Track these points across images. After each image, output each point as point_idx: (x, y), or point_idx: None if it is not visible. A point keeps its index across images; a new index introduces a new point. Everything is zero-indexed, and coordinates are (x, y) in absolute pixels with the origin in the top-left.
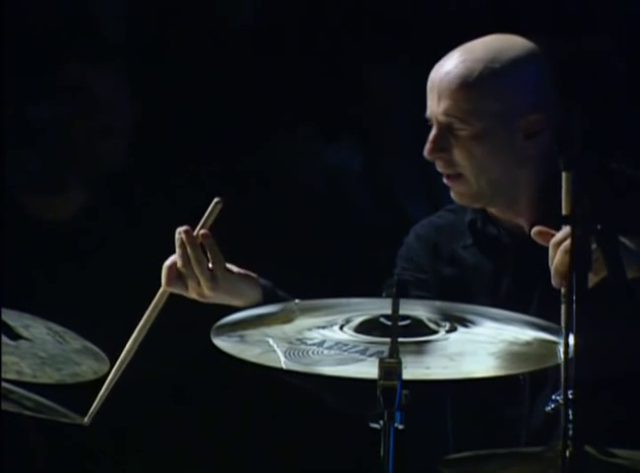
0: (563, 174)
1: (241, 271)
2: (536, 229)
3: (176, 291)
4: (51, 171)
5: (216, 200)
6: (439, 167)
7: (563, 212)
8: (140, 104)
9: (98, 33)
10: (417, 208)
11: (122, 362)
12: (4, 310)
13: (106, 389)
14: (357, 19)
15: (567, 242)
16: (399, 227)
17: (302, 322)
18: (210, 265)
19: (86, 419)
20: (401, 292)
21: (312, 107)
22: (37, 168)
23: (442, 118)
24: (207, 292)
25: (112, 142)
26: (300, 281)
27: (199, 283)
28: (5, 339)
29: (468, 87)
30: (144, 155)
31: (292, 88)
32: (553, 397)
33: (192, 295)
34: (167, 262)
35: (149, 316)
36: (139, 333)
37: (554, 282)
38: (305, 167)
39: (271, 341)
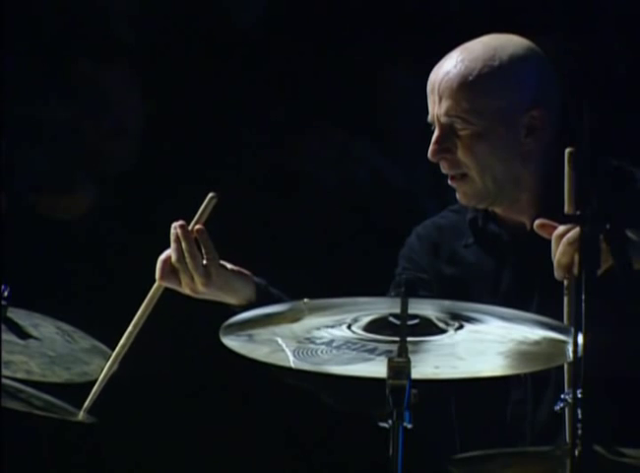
0: (566, 172)
1: (235, 268)
2: (538, 221)
3: (170, 285)
4: (61, 171)
5: (210, 195)
6: (444, 168)
7: (566, 210)
8: (151, 104)
9: (109, 32)
10: (429, 209)
11: (116, 356)
12: (14, 310)
13: (100, 384)
14: (369, 18)
15: (570, 235)
16: (407, 227)
17: (311, 321)
18: (204, 261)
19: (80, 414)
20: (409, 291)
21: (322, 107)
22: (48, 167)
23: (444, 119)
24: (200, 287)
25: (123, 141)
26: (299, 280)
27: (192, 278)
28: (14, 338)
29: (468, 86)
30: (155, 154)
31: (304, 87)
32: (562, 396)
33: (185, 290)
34: (162, 256)
35: (143, 311)
36: (133, 328)
37: (557, 274)
38: (313, 166)
39: (280, 340)
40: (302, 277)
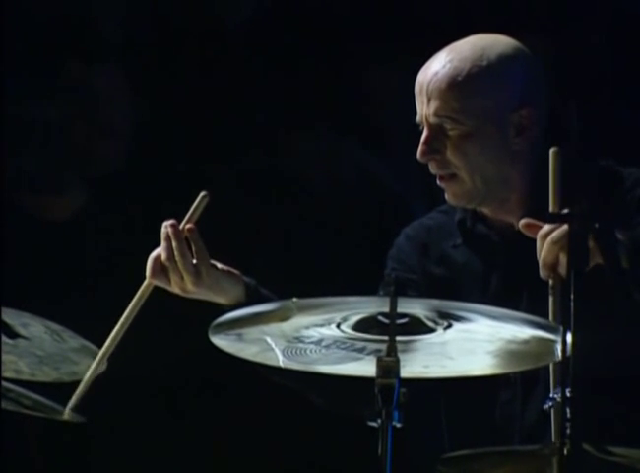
0: (551, 171)
1: (225, 267)
2: (523, 221)
3: (160, 284)
4: (50, 172)
5: (202, 194)
6: (433, 168)
7: (551, 209)
8: (141, 105)
9: (98, 32)
10: (417, 210)
11: (104, 354)
12: (2, 309)
13: (87, 382)
14: (358, 18)
15: (555, 234)
16: (395, 228)
17: (300, 321)
18: (194, 260)
19: (66, 412)
20: (399, 290)
21: (311, 107)
22: (37, 168)
23: (433, 120)
24: (189, 286)
25: (112, 142)
26: (288, 280)
27: (182, 277)
28: (3, 337)
29: (457, 86)
30: (147, 154)
31: (292, 88)
32: (551, 395)
33: (175, 289)
34: (153, 254)
35: (132, 309)
36: (122, 326)
37: (542, 274)
38: (302, 166)
39: (269, 339)
40: (291, 276)
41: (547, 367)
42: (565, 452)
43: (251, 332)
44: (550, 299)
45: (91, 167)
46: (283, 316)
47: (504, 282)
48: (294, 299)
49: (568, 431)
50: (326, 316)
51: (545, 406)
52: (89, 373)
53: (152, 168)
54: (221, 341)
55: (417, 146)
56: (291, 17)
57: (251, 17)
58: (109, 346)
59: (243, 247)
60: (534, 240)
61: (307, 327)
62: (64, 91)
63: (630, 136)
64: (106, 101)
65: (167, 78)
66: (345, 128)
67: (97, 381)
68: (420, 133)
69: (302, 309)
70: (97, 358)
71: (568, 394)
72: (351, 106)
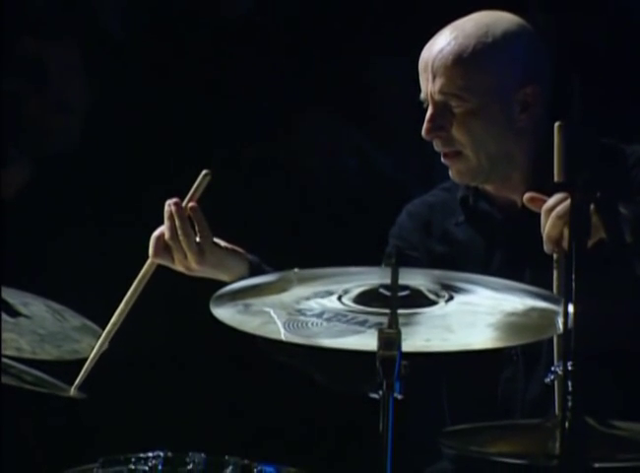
0: (555, 143)
1: (228, 245)
2: (528, 195)
3: (163, 263)
4: None
5: (204, 172)
6: (437, 145)
7: (556, 179)
8: (97, 83)
9: (97, 22)
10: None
11: (108, 333)
12: (3, 288)
13: (92, 360)
14: (357, 4)
15: (559, 208)
16: (395, 209)
17: (301, 292)
18: (197, 238)
19: (72, 390)
20: (400, 262)
21: (311, 93)
22: None
23: (438, 97)
24: (193, 265)
25: (63, 118)
26: (290, 259)
27: (186, 256)
28: (4, 316)
29: (462, 63)
30: (151, 135)
31: (293, 74)
32: (552, 368)
33: (179, 267)
34: (155, 233)
35: (135, 288)
36: (125, 305)
37: (546, 248)
38: (302, 150)
39: (272, 312)
40: (293, 255)
41: (550, 344)
42: (567, 425)
43: (254, 304)
44: (555, 273)
45: (42, 143)
46: (282, 288)
47: (506, 260)
48: (296, 269)
49: (570, 403)
50: (327, 288)
51: (547, 379)
52: (94, 352)
53: (157, 148)
54: (223, 313)
55: (418, 129)
56: (293, 4)
57: (252, 4)
58: (114, 325)
59: (246, 225)
60: (536, 218)
61: (308, 298)
62: (16, 63)
63: (632, 114)
64: (59, 75)
65: (167, 64)
66: (345, 114)
67: (100, 359)
68: (425, 111)
69: (303, 280)
70: (102, 337)
71: (570, 367)
72: (351, 92)
